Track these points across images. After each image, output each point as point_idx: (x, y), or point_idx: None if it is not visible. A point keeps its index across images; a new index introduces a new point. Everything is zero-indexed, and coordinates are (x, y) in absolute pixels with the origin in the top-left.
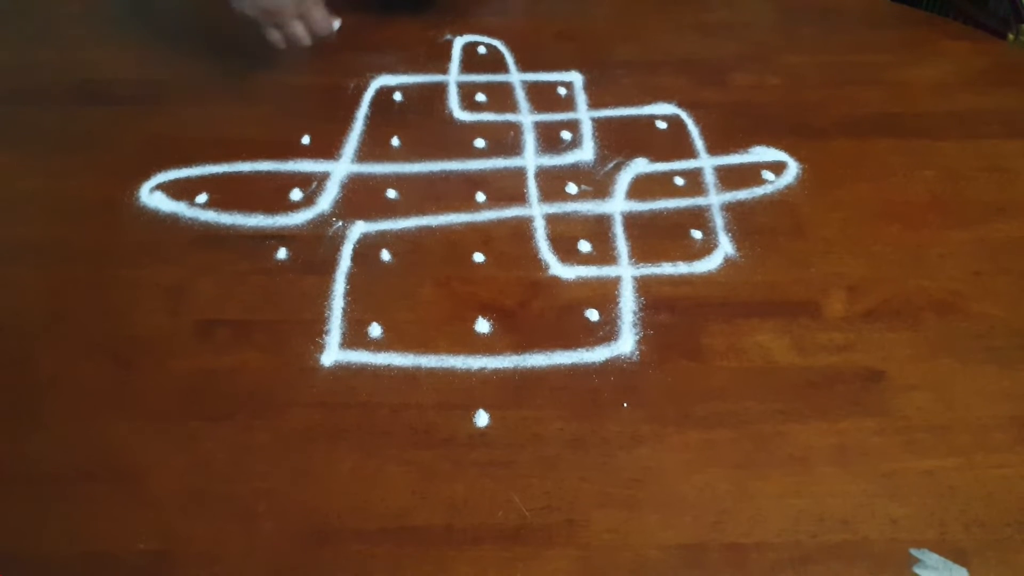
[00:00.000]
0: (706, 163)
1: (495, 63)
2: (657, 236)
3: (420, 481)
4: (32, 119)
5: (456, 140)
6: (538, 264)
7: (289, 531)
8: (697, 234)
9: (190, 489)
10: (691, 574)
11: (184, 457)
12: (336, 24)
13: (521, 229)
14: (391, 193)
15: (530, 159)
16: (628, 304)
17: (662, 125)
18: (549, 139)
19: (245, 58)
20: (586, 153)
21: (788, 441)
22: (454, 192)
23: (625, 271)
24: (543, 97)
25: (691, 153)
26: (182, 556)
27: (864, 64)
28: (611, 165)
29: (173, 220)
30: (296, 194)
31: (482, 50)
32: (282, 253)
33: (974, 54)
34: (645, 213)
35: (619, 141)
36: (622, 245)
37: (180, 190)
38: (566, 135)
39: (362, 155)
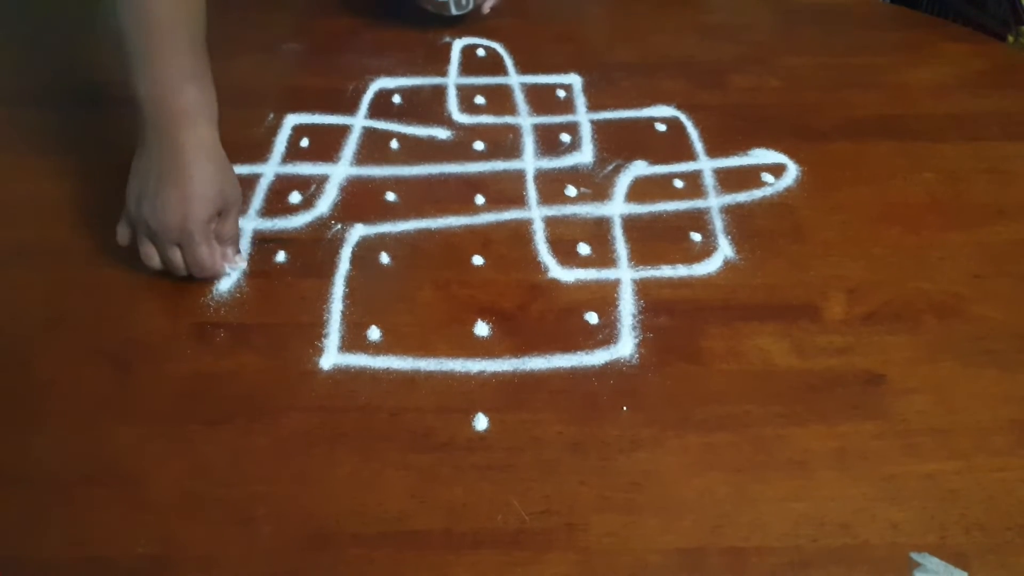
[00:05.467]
0: (705, 165)
1: (494, 65)
2: (656, 239)
3: (419, 485)
4: (30, 121)
5: (455, 142)
6: (537, 267)
7: (288, 535)
8: (696, 237)
9: (188, 493)
10: None
11: (182, 461)
12: (232, 267)
13: (520, 232)
14: (390, 196)
15: (529, 162)
16: (627, 307)
17: (661, 127)
18: (548, 141)
19: (244, 60)
20: (585, 155)
21: (788, 445)
22: (453, 195)
23: (624, 274)
24: (542, 99)
25: (690, 155)
26: (180, 560)
27: (863, 66)
28: (610, 167)
29: None
30: (295, 197)
31: (481, 52)
32: (280, 256)
33: (973, 56)
34: (644, 216)
35: (618, 143)
36: (621, 248)
37: None
38: (565, 137)
39: (361, 158)
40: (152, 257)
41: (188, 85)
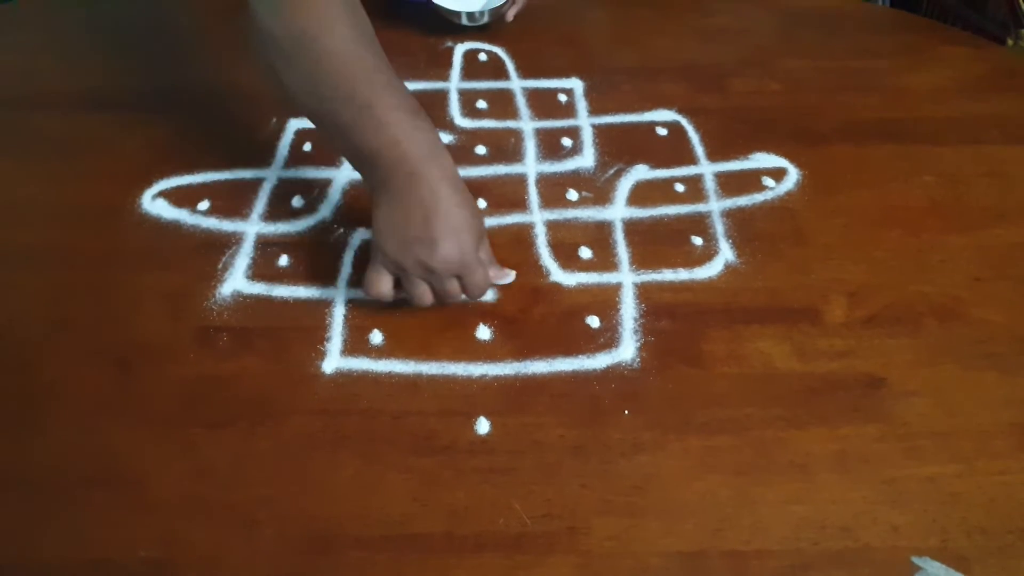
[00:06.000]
0: (706, 169)
1: (496, 70)
2: (658, 242)
3: (421, 488)
4: (35, 125)
5: (457, 147)
6: (539, 271)
7: (290, 538)
8: (698, 240)
9: (191, 496)
10: None
11: (185, 463)
12: (505, 280)
13: (522, 235)
14: None
15: (531, 166)
16: (629, 311)
17: (662, 131)
18: (550, 146)
19: (247, 65)
20: (587, 159)
21: (789, 448)
22: None
23: (626, 278)
24: (544, 104)
25: (691, 159)
26: (183, 563)
27: (863, 70)
28: (612, 171)
29: (175, 227)
30: (298, 201)
31: (483, 57)
32: (283, 260)
33: (973, 60)
34: (646, 219)
35: (619, 147)
36: (623, 252)
37: (182, 197)
38: (567, 142)
39: None
40: (426, 295)
41: (415, 120)
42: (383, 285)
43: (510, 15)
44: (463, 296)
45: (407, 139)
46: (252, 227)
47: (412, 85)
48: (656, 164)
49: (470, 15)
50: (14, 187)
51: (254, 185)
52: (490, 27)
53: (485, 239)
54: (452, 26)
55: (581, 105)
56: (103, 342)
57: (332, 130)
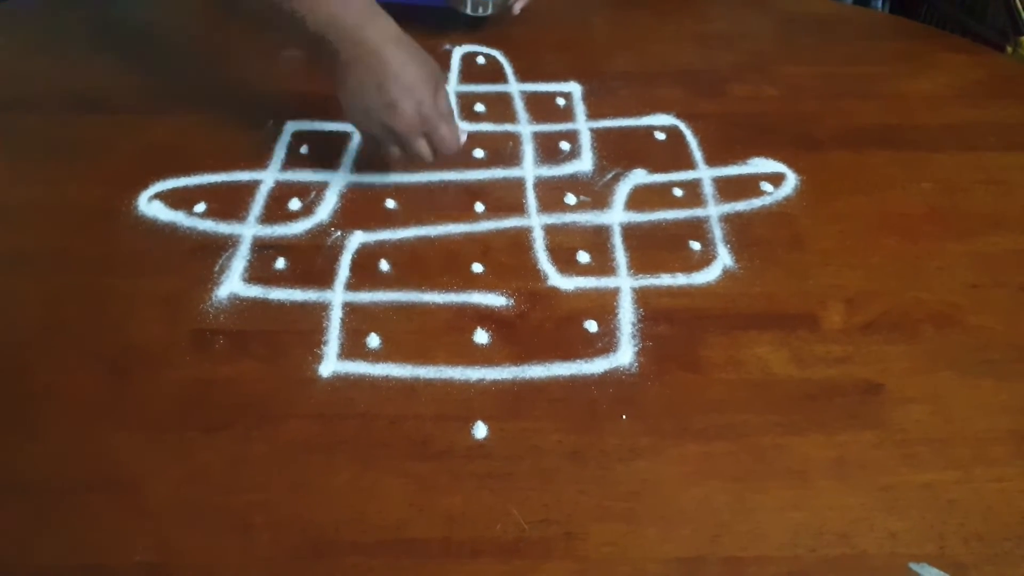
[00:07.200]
0: (704, 174)
1: (494, 73)
2: (656, 247)
3: (418, 493)
4: (30, 127)
5: None
6: (537, 275)
7: (286, 543)
8: (696, 245)
9: (186, 500)
10: None
11: (180, 468)
12: (463, 138)
13: (520, 240)
14: (390, 203)
15: (529, 169)
16: (627, 315)
17: (660, 136)
18: (548, 149)
19: (243, 67)
20: (585, 164)
21: (787, 454)
22: (453, 202)
23: (624, 282)
24: (542, 107)
25: (689, 164)
26: (178, 568)
27: (862, 76)
28: (610, 176)
29: (171, 229)
30: (295, 204)
31: (481, 60)
32: (280, 263)
33: (971, 66)
34: (644, 224)
35: (618, 152)
36: (621, 256)
37: (178, 199)
38: (565, 145)
39: (360, 165)
40: (401, 157)
41: None
42: (391, 152)
43: (517, 8)
44: (431, 158)
45: (342, 11)
46: (249, 230)
47: None
48: (654, 169)
49: (475, 5)
50: (8, 189)
51: (251, 187)
52: (492, 21)
53: (443, 90)
54: (450, 26)
55: (579, 109)
56: (98, 346)
57: (279, 23)
